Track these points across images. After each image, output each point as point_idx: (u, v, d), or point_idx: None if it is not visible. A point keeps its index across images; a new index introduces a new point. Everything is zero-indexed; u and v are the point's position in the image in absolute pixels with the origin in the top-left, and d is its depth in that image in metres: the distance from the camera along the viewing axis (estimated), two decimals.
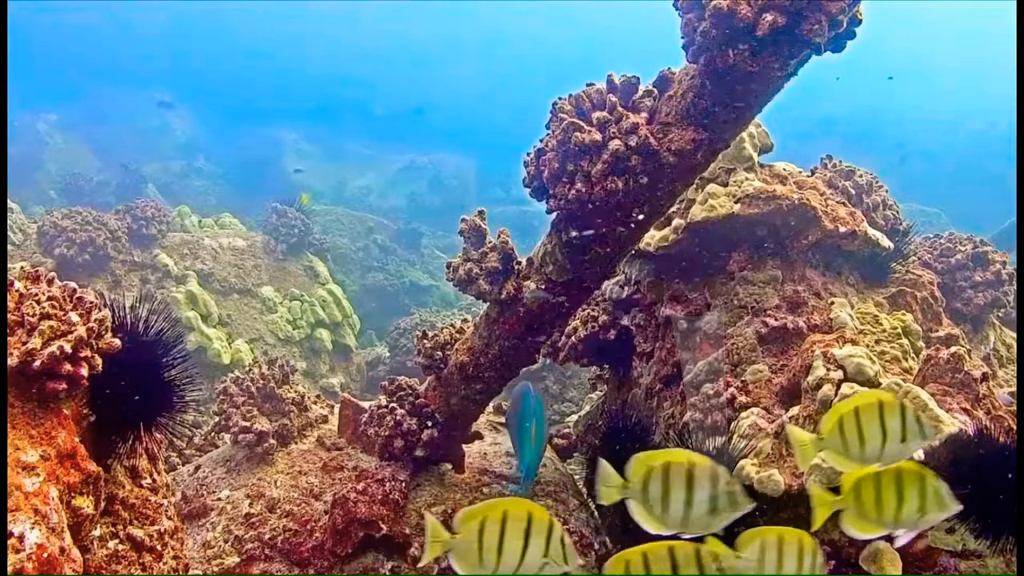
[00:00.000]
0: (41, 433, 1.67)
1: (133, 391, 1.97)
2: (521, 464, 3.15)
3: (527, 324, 2.97)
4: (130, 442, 2.02)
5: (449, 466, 3.53)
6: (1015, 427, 2.75)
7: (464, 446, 3.57)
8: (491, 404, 3.96)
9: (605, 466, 1.87)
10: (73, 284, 1.86)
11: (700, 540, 1.80)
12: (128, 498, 2.01)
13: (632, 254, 4.02)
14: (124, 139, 22.01)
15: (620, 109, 2.42)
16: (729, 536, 1.82)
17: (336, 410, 3.92)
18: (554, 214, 2.70)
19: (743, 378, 3.30)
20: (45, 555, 1.45)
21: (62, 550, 1.51)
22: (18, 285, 1.78)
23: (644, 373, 4.02)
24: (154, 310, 2.11)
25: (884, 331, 3.26)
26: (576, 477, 4.08)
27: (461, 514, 1.76)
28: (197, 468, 3.69)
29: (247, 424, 3.52)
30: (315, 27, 40.29)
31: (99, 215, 7.57)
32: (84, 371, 1.74)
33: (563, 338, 4.35)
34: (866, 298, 3.75)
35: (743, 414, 3.10)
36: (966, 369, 2.86)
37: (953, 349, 2.94)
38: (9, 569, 1.39)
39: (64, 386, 1.71)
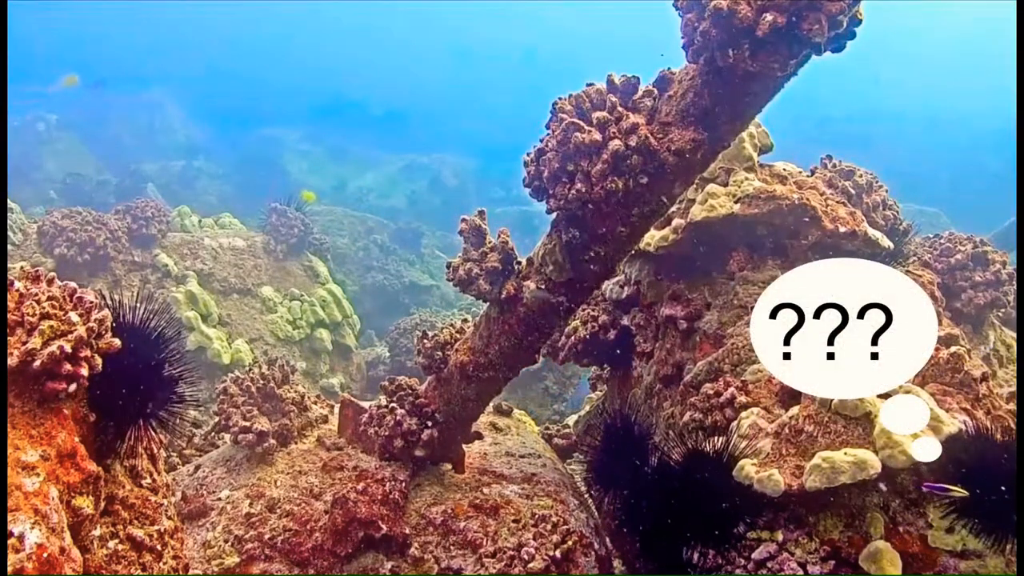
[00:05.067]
0: (41, 433, 1.67)
1: (132, 388, 1.97)
2: None
3: (527, 324, 2.97)
4: (130, 440, 2.02)
5: (449, 466, 3.53)
6: (1014, 427, 2.75)
7: (464, 446, 3.57)
8: (491, 404, 3.96)
9: None
10: (73, 284, 1.86)
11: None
12: (128, 498, 2.01)
13: (632, 254, 4.02)
14: (124, 139, 22.03)
15: (620, 109, 2.42)
16: (728, 536, 1.80)
17: (336, 410, 3.92)
18: (554, 214, 2.70)
19: (743, 378, 3.30)
20: (45, 555, 1.45)
21: (62, 550, 1.51)
22: (18, 285, 1.78)
23: (644, 373, 4.02)
24: (152, 309, 2.11)
25: None
26: (576, 477, 4.08)
27: None
28: (197, 468, 3.69)
29: (247, 424, 3.52)
30: (316, 27, 40.28)
31: (99, 215, 7.57)
32: (84, 371, 1.74)
33: (563, 338, 4.35)
34: None
35: (743, 414, 3.10)
36: (966, 369, 2.86)
37: (953, 349, 2.94)
38: (9, 569, 1.39)
39: (64, 386, 1.71)
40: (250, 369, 3.84)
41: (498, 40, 41.81)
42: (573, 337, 4.31)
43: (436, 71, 41.75)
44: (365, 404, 3.67)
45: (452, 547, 3.11)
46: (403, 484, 3.30)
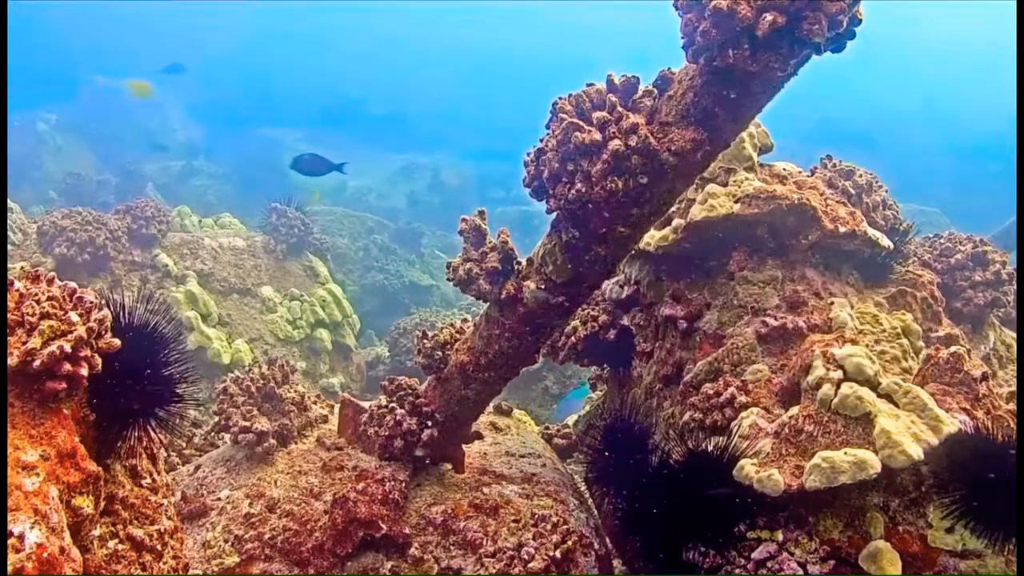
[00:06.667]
0: (41, 433, 1.67)
1: (132, 388, 1.97)
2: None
3: (527, 324, 2.97)
4: (130, 440, 2.02)
5: (449, 466, 3.53)
6: (1015, 427, 2.75)
7: (464, 446, 3.57)
8: (491, 404, 3.96)
9: None
10: (73, 284, 1.86)
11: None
12: (128, 498, 2.01)
13: (632, 254, 4.02)
14: (124, 139, 22.01)
15: (620, 109, 2.42)
16: (728, 536, 1.81)
17: (336, 410, 3.92)
18: (554, 214, 2.70)
19: (743, 378, 3.30)
20: (45, 555, 1.45)
21: (62, 550, 1.51)
22: (18, 285, 1.78)
23: (644, 373, 4.02)
24: (152, 309, 2.11)
25: (884, 331, 3.26)
26: (576, 477, 4.08)
27: None
28: (197, 468, 3.69)
29: (247, 424, 3.52)
30: (315, 27, 40.30)
31: (99, 215, 7.56)
32: (84, 371, 1.74)
33: (563, 338, 4.35)
34: (866, 298, 3.75)
35: (743, 414, 3.11)
36: (966, 369, 2.86)
37: (953, 349, 2.94)
38: (9, 569, 1.39)
39: (64, 386, 1.71)
40: (250, 369, 3.84)
41: (497, 40, 41.83)
42: (573, 337, 4.31)
43: (435, 71, 41.78)
44: (365, 404, 3.67)
45: (452, 547, 3.11)
46: (403, 484, 3.30)
